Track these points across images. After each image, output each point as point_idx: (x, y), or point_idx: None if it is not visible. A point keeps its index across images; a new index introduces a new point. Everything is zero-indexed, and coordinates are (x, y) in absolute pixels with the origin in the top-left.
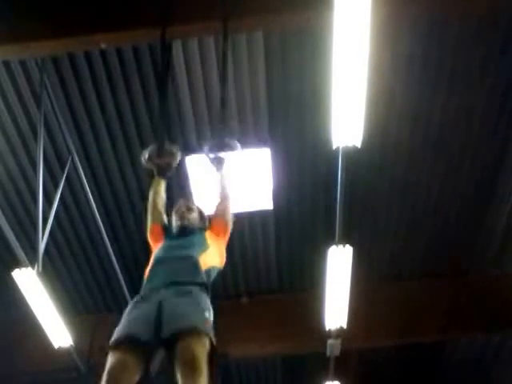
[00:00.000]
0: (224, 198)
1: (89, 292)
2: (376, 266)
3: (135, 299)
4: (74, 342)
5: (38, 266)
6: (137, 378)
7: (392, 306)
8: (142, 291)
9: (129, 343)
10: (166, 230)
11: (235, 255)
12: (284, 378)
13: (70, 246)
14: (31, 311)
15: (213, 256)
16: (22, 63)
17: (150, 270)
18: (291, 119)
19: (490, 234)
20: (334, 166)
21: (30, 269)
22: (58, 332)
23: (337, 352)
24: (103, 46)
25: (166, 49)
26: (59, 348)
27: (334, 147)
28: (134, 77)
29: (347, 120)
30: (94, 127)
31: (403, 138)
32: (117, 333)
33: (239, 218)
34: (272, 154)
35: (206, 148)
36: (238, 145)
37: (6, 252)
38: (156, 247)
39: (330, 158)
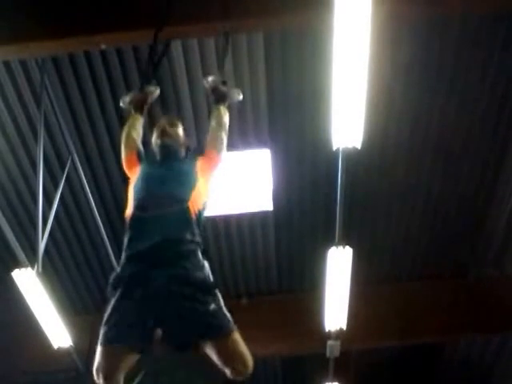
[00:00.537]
0: (218, 128)
1: (88, 292)
2: (376, 267)
3: (123, 274)
4: (74, 342)
5: (37, 267)
6: (131, 363)
7: (392, 307)
8: (128, 252)
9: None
10: (142, 155)
11: (235, 256)
12: (284, 379)
13: (69, 246)
14: (31, 311)
15: (202, 191)
16: (22, 63)
17: (134, 214)
18: (291, 120)
19: (490, 235)
20: (333, 167)
21: (29, 269)
22: (58, 332)
23: (336, 353)
24: (103, 46)
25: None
26: (59, 348)
27: (334, 148)
28: (134, 77)
29: (347, 121)
30: (94, 127)
31: (403, 139)
32: (109, 332)
33: (239, 219)
34: (272, 155)
35: (208, 78)
36: (240, 92)
37: (6, 252)
38: (134, 175)
39: (330, 159)
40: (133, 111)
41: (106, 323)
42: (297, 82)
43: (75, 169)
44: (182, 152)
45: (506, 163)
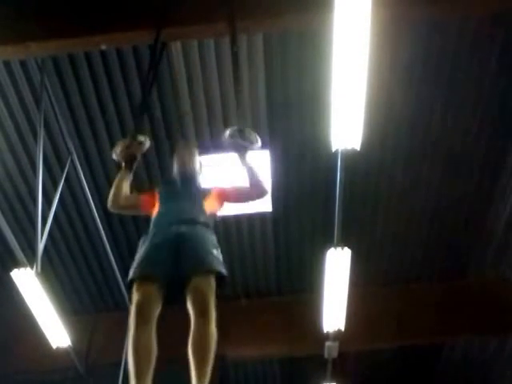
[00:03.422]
0: (256, 185)
1: (87, 292)
2: (374, 269)
3: (148, 234)
4: (72, 342)
5: (36, 267)
6: (159, 309)
7: (390, 309)
8: (152, 229)
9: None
10: (155, 188)
11: (234, 257)
12: (282, 380)
13: (68, 246)
14: (30, 311)
15: (213, 205)
16: (22, 63)
17: (157, 213)
18: (290, 121)
19: (489, 236)
20: (333, 169)
21: (28, 269)
22: (57, 332)
23: (335, 354)
24: (103, 47)
25: (159, 49)
26: (57, 348)
27: (333, 150)
28: (134, 77)
29: (346, 122)
30: (94, 127)
31: (402, 140)
32: (137, 267)
33: (238, 219)
34: (271, 156)
35: (228, 133)
36: (259, 139)
37: (5, 252)
38: (157, 203)
39: (329, 160)
40: (122, 165)
41: (135, 264)
42: (296, 83)
43: (75, 169)
44: (198, 177)
45: (505, 164)
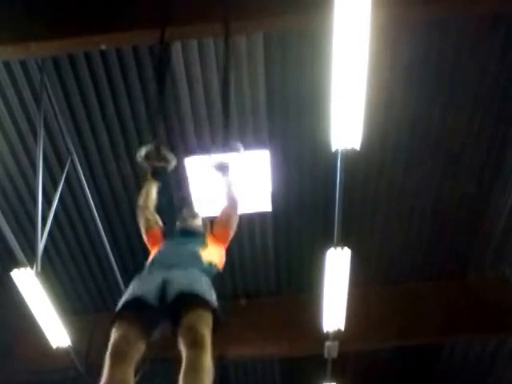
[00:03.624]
0: (230, 205)
1: (87, 292)
2: (374, 268)
3: (139, 274)
4: (72, 341)
5: (36, 266)
6: (140, 351)
7: (390, 309)
8: (145, 268)
9: (134, 309)
10: (164, 232)
11: (234, 257)
12: (282, 380)
13: (68, 246)
14: (30, 311)
15: (212, 254)
16: (22, 63)
17: (153, 258)
18: (290, 121)
19: (489, 236)
20: (332, 169)
21: (28, 269)
22: (57, 332)
23: (334, 354)
24: (103, 47)
25: (165, 49)
26: (57, 348)
27: (333, 149)
28: (134, 77)
29: (346, 122)
30: (94, 127)
31: (402, 140)
32: (123, 299)
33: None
34: (271, 156)
35: (209, 154)
36: (241, 146)
37: (5, 252)
38: (156, 246)
39: (329, 161)
40: (149, 176)
41: (118, 302)
42: (296, 84)
43: (75, 169)
44: (198, 231)
45: (505, 164)
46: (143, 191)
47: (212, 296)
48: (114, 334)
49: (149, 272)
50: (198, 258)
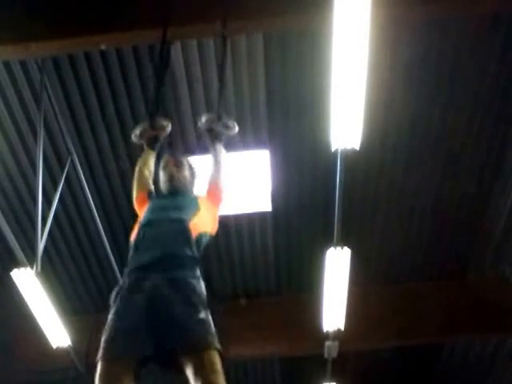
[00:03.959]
0: (218, 168)
1: (87, 292)
2: (374, 268)
3: (123, 286)
4: (72, 341)
5: (36, 266)
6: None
7: (390, 308)
8: (129, 267)
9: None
10: (152, 194)
11: (234, 257)
12: (282, 380)
13: (68, 246)
14: (30, 311)
15: (204, 220)
16: (22, 63)
17: (137, 235)
18: (290, 121)
19: (489, 236)
20: (332, 168)
21: (28, 269)
22: (57, 332)
23: (334, 354)
24: (103, 47)
25: (166, 48)
26: (57, 348)
27: (333, 149)
28: (134, 77)
29: (346, 122)
30: (94, 127)
31: (402, 140)
32: (107, 344)
33: (238, 219)
34: (271, 156)
35: (201, 119)
36: (235, 125)
37: (5, 252)
38: (142, 212)
39: (329, 160)
40: (145, 147)
41: (104, 341)
42: (296, 83)
43: (75, 169)
44: (189, 188)
45: (505, 164)
46: (139, 161)
47: (211, 327)
48: (98, 375)
49: (131, 288)
50: (187, 239)
